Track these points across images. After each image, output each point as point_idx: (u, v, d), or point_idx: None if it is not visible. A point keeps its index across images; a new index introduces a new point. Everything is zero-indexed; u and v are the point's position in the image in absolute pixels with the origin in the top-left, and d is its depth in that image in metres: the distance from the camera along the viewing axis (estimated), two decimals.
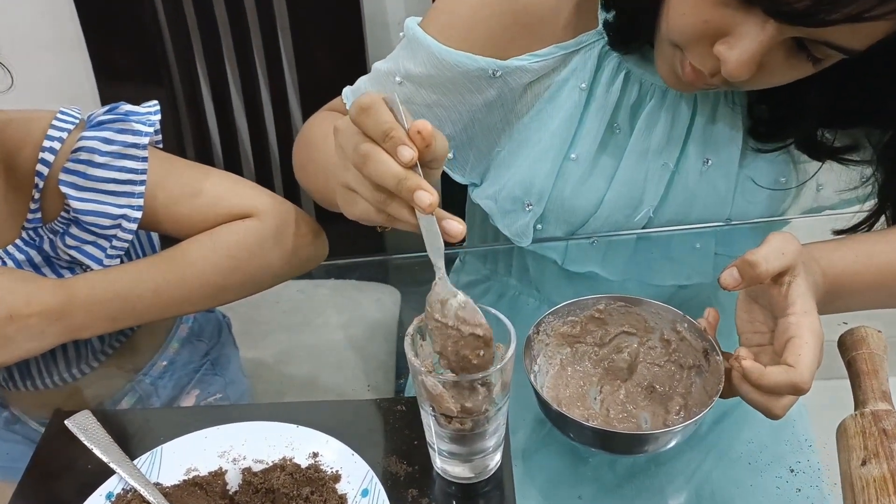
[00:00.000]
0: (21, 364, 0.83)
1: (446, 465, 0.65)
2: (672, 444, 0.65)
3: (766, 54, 0.62)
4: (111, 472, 0.64)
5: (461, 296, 0.58)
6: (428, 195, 0.51)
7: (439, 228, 0.54)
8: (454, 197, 0.98)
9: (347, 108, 0.85)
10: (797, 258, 0.63)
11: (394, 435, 0.69)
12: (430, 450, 0.65)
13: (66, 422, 0.67)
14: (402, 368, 1.11)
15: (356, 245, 1.01)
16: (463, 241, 1.03)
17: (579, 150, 0.80)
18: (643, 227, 0.85)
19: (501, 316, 0.62)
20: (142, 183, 0.75)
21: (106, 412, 0.71)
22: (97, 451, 0.64)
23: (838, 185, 0.85)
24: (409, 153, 0.51)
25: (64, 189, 0.73)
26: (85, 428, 0.66)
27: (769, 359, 0.64)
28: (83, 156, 0.73)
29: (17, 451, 0.89)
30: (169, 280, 0.77)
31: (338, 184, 0.58)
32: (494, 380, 0.59)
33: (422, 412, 0.63)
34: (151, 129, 0.76)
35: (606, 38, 0.76)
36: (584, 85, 0.77)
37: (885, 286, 0.72)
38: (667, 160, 0.80)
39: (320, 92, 1.34)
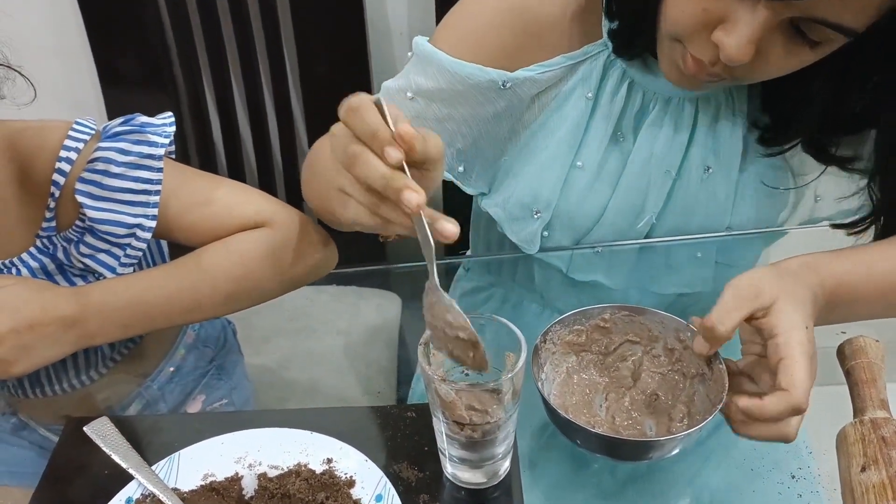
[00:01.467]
0: (12, 379, 0.84)
1: (457, 471, 0.66)
2: (676, 450, 0.67)
3: (763, 40, 0.64)
4: (127, 478, 0.65)
5: (446, 299, 0.58)
6: (415, 195, 0.51)
7: (431, 230, 0.54)
8: (460, 205, 0.99)
9: None
10: (761, 301, 0.64)
11: (405, 441, 0.71)
12: (441, 456, 0.67)
13: (84, 428, 0.69)
14: (403, 375, 1.12)
15: (358, 253, 1.02)
16: (466, 248, 1.04)
17: (585, 158, 0.82)
18: (646, 236, 0.86)
19: (512, 326, 0.63)
20: (157, 193, 0.76)
21: (122, 418, 0.72)
22: (116, 458, 0.66)
23: (837, 196, 0.87)
24: (395, 154, 0.52)
25: (80, 198, 0.74)
26: (103, 434, 0.68)
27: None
28: (99, 166, 0.75)
29: (25, 455, 0.90)
30: (181, 288, 0.78)
31: (332, 187, 0.58)
32: (506, 388, 0.61)
33: (434, 419, 0.64)
34: (167, 141, 0.77)
35: (611, 47, 0.78)
36: (590, 94, 0.79)
37: (884, 297, 0.73)
38: (669, 167, 0.82)
39: (323, 99, 1.36)
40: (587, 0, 0.78)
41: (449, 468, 0.67)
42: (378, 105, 0.53)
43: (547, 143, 0.82)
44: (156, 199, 0.76)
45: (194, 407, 0.95)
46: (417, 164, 0.54)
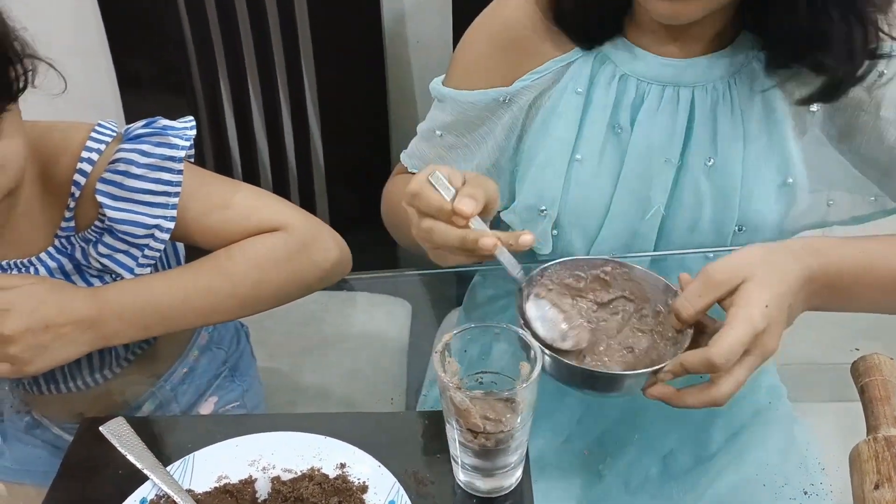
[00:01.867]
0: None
1: (469, 479, 0.66)
2: (628, 390, 0.68)
3: None
4: (141, 478, 0.66)
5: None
6: (489, 240, 0.64)
7: (516, 244, 0.66)
8: None
9: (408, 168, 0.96)
10: (727, 287, 0.65)
11: (417, 448, 0.71)
12: (454, 463, 0.67)
13: (100, 428, 0.69)
14: (413, 382, 1.12)
15: (370, 260, 1.03)
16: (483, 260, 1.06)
17: (583, 152, 0.85)
18: (659, 231, 0.86)
19: (528, 337, 0.64)
20: (176, 195, 0.77)
21: (136, 419, 0.73)
22: (131, 458, 0.66)
23: (850, 201, 0.87)
24: (460, 220, 0.64)
25: (100, 198, 0.75)
26: (119, 434, 0.68)
27: None
28: (121, 167, 0.75)
29: (38, 454, 0.91)
30: (198, 290, 0.78)
31: (427, 250, 0.72)
32: (520, 397, 0.61)
33: (447, 426, 0.64)
34: (187, 144, 0.77)
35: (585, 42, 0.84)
36: (580, 89, 0.84)
37: (892, 289, 0.72)
38: (669, 156, 0.83)
39: (338, 105, 1.38)
40: None
41: (461, 476, 0.67)
42: (434, 181, 0.66)
43: (545, 143, 0.86)
44: (175, 200, 0.77)
45: (207, 408, 0.96)
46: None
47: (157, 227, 0.77)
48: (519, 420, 0.62)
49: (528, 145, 0.88)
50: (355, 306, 1.26)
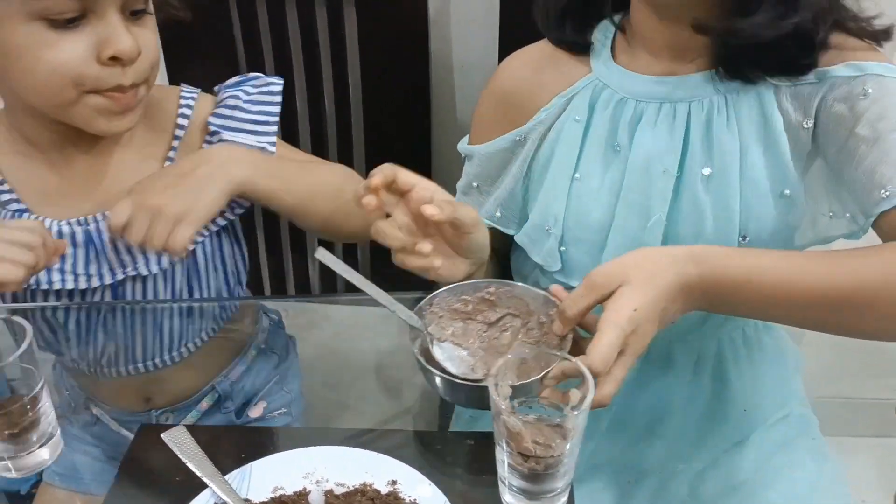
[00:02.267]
0: (114, 349, 0.92)
1: (515, 501, 0.68)
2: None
3: None
4: (198, 487, 0.68)
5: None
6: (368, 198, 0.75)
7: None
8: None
9: None
10: (608, 289, 0.68)
11: (465, 467, 0.73)
12: (501, 484, 0.69)
13: (162, 435, 0.71)
14: (445, 402, 1.13)
15: (409, 278, 1.05)
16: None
17: (583, 170, 0.89)
18: (663, 242, 0.87)
19: (580, 364, 0.65)
20: (275, 123, 0.92)
21: (192, 427, 0.75)
22: (191, 466, 0.68)
23: (844, 216, 0.87)
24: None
25: (213, 128, 0.90)
26: (180, 442, 0.70)
27: None
28: (230, 102, 0.91)
29: (86, 462, 0.95)
30: (305, 167, 0.94)
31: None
32: (570, 424, 0.63)
33: (497, 448, 0.66)
34: (280, 82, 0.94)
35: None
36: (578, 117, 0.89)
37: (774, 305, 0.73)
38: (667, 167, 0.85)
39: (384, 126, 1.40)
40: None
41: (508, 498, 0.68)
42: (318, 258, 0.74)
43: (549, 168, 0.91)
44: (274, 128, 0.92)
45: (256, 412, 1.00)
46: (455, 227, 0.76)
47: (262, 149, 0.90)
48: (568, 446, 0.63)
49: (537, 173, 0.93)
50: (390, 324, 1.27)
